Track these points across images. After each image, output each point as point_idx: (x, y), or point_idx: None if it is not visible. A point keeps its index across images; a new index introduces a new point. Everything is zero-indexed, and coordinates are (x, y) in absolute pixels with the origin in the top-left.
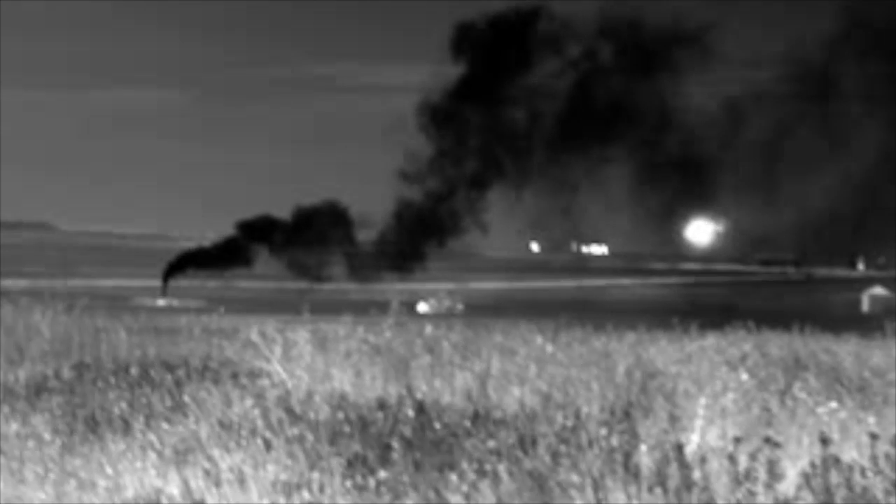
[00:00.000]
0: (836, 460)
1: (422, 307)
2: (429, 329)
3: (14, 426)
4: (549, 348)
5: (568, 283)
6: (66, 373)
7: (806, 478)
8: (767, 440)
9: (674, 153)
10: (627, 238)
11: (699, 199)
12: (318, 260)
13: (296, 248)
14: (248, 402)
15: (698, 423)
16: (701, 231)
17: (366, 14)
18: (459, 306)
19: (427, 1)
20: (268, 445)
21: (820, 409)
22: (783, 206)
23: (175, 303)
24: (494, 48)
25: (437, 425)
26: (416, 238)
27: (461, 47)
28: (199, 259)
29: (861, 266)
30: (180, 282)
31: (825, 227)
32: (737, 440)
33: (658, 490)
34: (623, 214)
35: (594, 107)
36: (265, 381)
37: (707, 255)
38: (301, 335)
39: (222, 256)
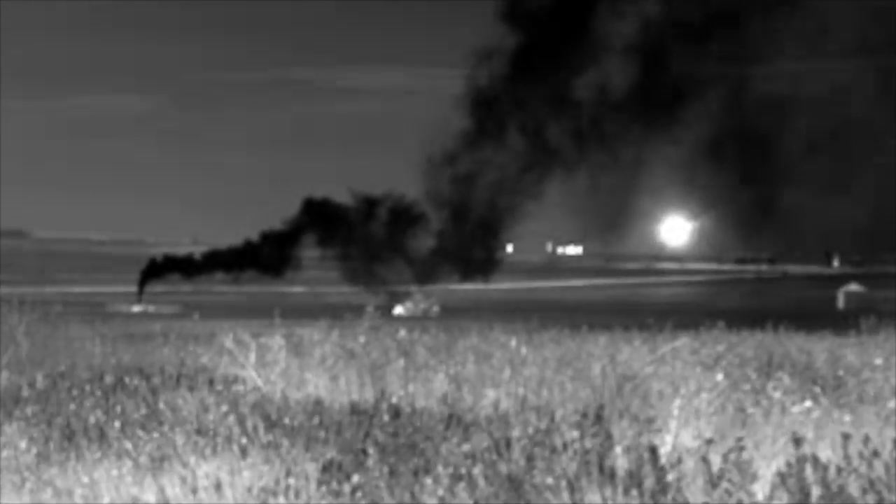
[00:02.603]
0: (815, 459)
1: (398, 310)
2: (403, 332)
3: None
4: (524, 350)
5: (543, 284)
6: (41, 381)
7: (781, 477)
8: (740, 441)
9: (737, 134)
10: (605, 237)
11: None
12: (384, 267)
13: (356, 247)
14: (224, 408)
15: (673, 424)
16: (677, 230)
17: (343, 18)
18: (435, 308)
19: (402, 2)
20: (243, 452)
21: (795, 409)
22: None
23: (150, 309)
24: (556, 12)
25: (412, 429)
26: (480, 238)
27: (516, 13)
28: (230, 261)
29: (836, 263)
30: (155, 287)
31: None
32: (709, 441)
33: (633, 492)
34: (662, 199)
35: (666, 78)
36: (240, 388)
37: (683, 254)
38: (276, 340)
39: (267, 259)
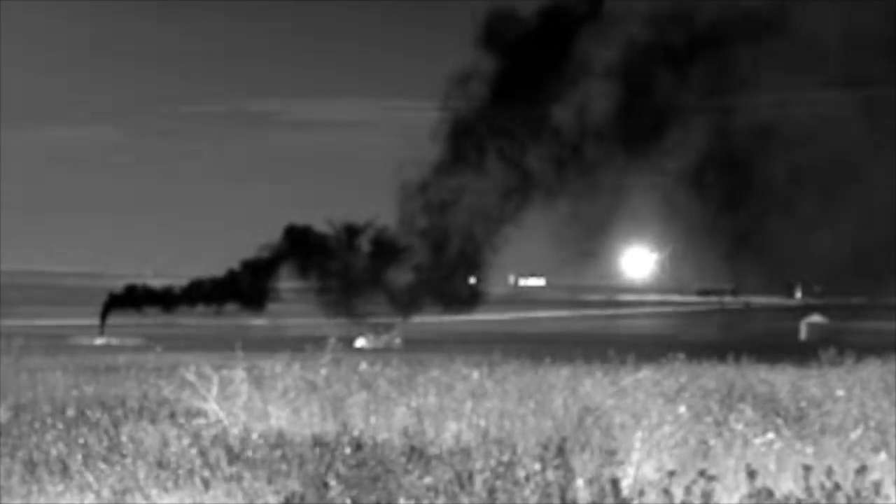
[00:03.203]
0: (769, 492)
1: (360, 342)
2: (365, 365)
3: None
4: (486, 383)
5: (505, 316)
6: (3, 414)
7: None
8: (702, 473)
9: (716, 163)
10: (566, 269)
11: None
12: (365, 298)
13: (338, 277)
14: (186, 441)
15: (635, 456)
16: (640, 261)
17: (299, 52)
18: (397, 341)
19: (358, 35)
20: (206, 484)
21: (757, 441)
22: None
23: (113, 341)
24: (541, 38)
25: (374, 462)
26: (460, 269)
27: (496, 38)
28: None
29: (799, 294)
30: (118, 319)
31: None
32: (671, 474)
33: None
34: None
35: (647, 104)
36: (202, 420)
37: (646, 286)
38: (238, 373)
39: (248, 290)
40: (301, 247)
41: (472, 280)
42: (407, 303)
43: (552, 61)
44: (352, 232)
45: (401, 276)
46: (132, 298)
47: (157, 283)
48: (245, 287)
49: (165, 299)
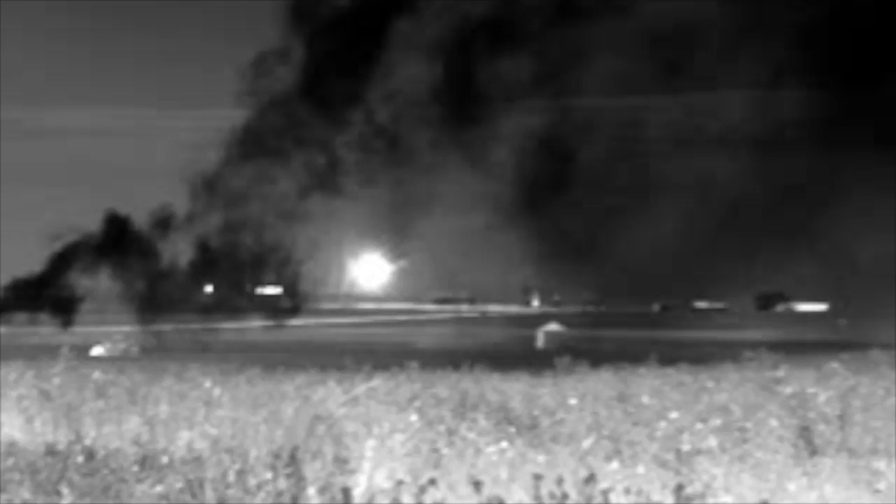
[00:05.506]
0: (501, 502)
1: (96, 350)
2: (98, 374)
3: None
4: (217, 391)
5: (243, 325)
6: None
7: None
8: (432, 482)
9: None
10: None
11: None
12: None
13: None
14: None
15: (366, 465)
16: (376, 270)
17: (51, 60)
18: (135, 349)
19: (109, 46)
20: None
21: (489, 449)
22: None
23: None
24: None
25: (107, 471)
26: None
27: (302, 19)
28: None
29: (536, 303)
30: None
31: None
32: (400, 482)
33: None
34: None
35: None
36: None
37: (382, 295)
38: None
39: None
40: (119, 240)
41: (209, 288)
42: (212, 310)
43: (368, 40)
44: (164, 226)
45: (208, 281)
46: None
47: None
48: (56, 291)
49: None
